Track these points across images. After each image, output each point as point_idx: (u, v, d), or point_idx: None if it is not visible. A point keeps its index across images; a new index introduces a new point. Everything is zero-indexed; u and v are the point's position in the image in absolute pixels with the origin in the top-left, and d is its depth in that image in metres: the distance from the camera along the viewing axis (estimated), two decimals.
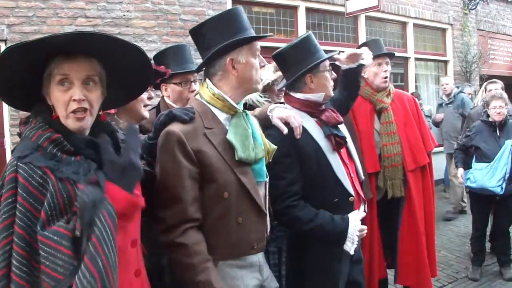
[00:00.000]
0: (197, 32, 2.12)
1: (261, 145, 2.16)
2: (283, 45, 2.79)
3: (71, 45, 1.55)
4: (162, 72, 2.53)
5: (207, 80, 2.12)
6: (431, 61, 11.47)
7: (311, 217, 2.46)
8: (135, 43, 1.69)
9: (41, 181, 1.49)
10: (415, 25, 10.73)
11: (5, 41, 6.16)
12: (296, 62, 2.64)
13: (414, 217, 3.81)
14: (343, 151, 2.70)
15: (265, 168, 2.18)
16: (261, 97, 3.23)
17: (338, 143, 2.62)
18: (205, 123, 2.04)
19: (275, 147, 2.26)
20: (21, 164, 1.50)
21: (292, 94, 2.72)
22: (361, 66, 3.10)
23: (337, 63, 3.04)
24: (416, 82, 10.87)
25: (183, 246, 1.90)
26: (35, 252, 1.45)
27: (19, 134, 1.70)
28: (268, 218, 2.20)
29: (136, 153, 1.76)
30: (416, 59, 10.89)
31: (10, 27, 6.20)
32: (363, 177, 2.82)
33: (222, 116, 2.10)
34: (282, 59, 2.75)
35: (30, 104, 1.68)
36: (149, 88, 2.27)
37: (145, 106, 2.37)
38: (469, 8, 11.72)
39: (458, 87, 8.40)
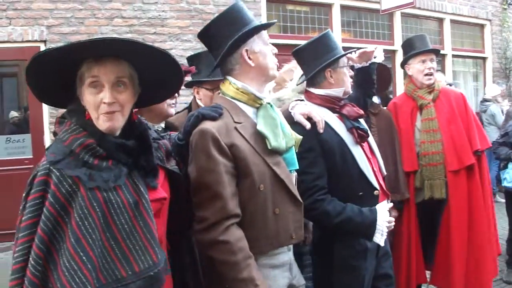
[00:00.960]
0: (205, 35, 2.14)
1: (290, 134, 2.17)
2: None
3: (98, 49, 1.56)
4: (190, 71, 2.56)
5: (228, 77, 2.13)
6: (469, 58, 11.21)
7: (340, 210, 2.46)
8: (166, 48, 1.81)
9: (70, 190, 1.51)
10: (452, 21, 10.50)
11: (44, 41, 6.40)
12: (315, 58, 2.66)
13: (452, 221, 3.65)
14: (365, 145, 2.69)
15: (295, 157, 2.19)
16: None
17: (361, 136, 2.62)
18: (234, 118, 2.05)
19: (301, 136, 2.27)
20: (54, 170, 1.52)
21: (312, 90, 2.74)
22: (373, 64, 3.06)
23: (350, 62, 2.99)
24: (454, 79, 10.62)
25: (226, 243, 1.89)
26: (51, 257, 1.48)
27: (54, 133, 1.73)
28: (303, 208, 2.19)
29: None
30: (454, 56, 10.66)
31: (49, 28, 6.44)
32: (385, 172, 2.80)
33: (249, 110, 2.11)
34: (302, 55, 2.77)
35: (66, 103, 1.70)
36: None
37: (170, 105, 2.39)
38: (508, 3, 11.39)
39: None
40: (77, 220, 1.49)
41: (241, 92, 2.10)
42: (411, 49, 3.82)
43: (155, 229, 1.64)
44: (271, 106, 2.15)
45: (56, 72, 1.60)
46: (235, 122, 2.04)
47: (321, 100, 2.70)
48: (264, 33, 2.14)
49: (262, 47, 2.11)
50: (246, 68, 2.10)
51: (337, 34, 8.52)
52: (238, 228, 1.95)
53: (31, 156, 6.55)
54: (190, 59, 3.23)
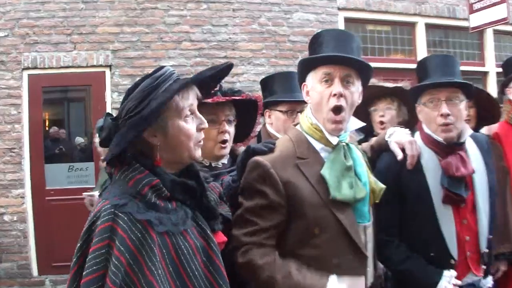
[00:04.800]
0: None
1: (365, 184, 1.96)
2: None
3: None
4: (252, 98, 2.34)
5: (308, 107, 2.01)
6: None
7: (403, 258, 2.27)
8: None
9: (139, 235, 1.42)
10: None
11: (109, 66, 6.32)
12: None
13: None
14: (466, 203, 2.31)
15: (367, 210, 1.98)
16: None
17: (450, 199, 2.26)
18: (298, 152, 1.93)
19: (383, 186, 2.04)
20: (121, 214, 1.43)
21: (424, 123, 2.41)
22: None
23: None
24: None
25: (249, 264, 1.85)
26: None
27: (109, 174, 1.64)
28: (370, 263, 2.02)
29: None
30: None
31: (115, 52, 6.28)
32: (487, 236, 2.34)
33: (320, 147, 1.96)
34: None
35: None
36: (224, 120, 2.18)
37: (222, 142, 2.18)
38: None
39: None
40: (150, 268, 1.41)
41: (314, 128, 1.96)
42: None
43: (225, 273, 1.59)
44: (349, 147, 1.97)
45: None
46: (298, 157, 1.91)
47: (425, 138, 2.37)
48: (321, 69, 1.94)
49: (315, 84, 1.95)
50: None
51: (422, 55, 7.67)
52: (268, 250, 1.87)
53: (94, 186, 6.25)
54: (264, 82, 3.17)
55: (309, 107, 1.99)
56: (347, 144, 1.97)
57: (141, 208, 1.46)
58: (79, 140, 6.83)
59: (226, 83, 2.16)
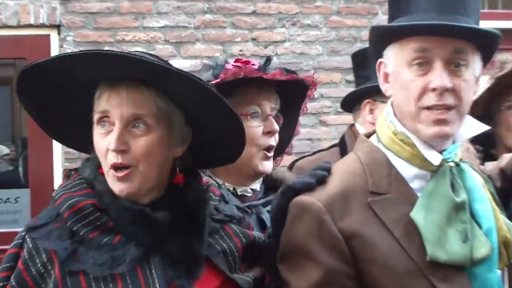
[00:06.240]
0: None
1: (490, 232, 1.56)
2: None
3: (113, 69, 1.42)
4: (305, 83, 2.05)
5: (389, 102, 1.65)
6: None
7: None
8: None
9: (42, 270, 1.36)
10: None
11: (57, 27, 4.79)
12: None
13: None
14: None
15: (496, 277, 1.57)
16: None
17: None
18: (372, 183, 1.55)
19: None
20: (28, 239, 1.39)
21: None
22: None
23: None
24: None
25: None
26: None
27: None
28: None
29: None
30: None
31: (66, 4, 4.73)
32: None
33: (411, 173, 1.58)
34: None
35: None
36: (270, 115, 1.95)
37: (266, 149, 1.97)
38: None
39: None
40: None
41: (400, 140, 1.58)
42: None
43: None
44: (461, 170, 1.60)
45: (67, 96, 1.48)
46: (372, 192, 1.54)
47: None
48: (414, 43, 1.55)
49: (399, 67, 1.57)
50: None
51: None
52: None
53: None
54: (356, 56, 3.03)
55: (390, 103, 1.66)
56: (457, 165, 1.60)
57: (55, 235, 1.39)
58: (3, 150, 5.49)
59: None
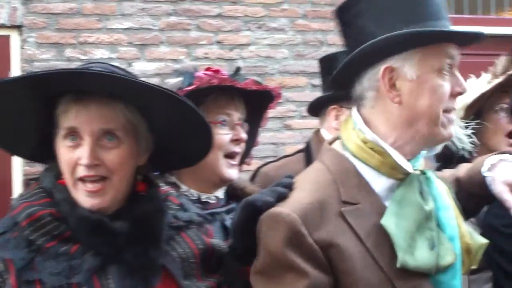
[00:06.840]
0: (344, 14, 1.66)
1: (453, 239, 1.60)
2: None
3: (80, 83, 1.44)
4: (272, 94, 2.13)
5: (354, 111, 1.65)
6: None
7: None
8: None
9: None
10: None
11: (18, 27, 4.77)
12: None
13: None
14: None
15: (459, 283, 1.62)
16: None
17: None
18: (343, 193, 1.56)
19: (484, 241, 1.71)
20: None
21: None
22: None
23: None
24: None
25: None
26: None
27: None
28: None
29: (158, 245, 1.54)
30: None
31: (28, 3, 4.64)
32: None
33: (380, 182, 1.59)
34: None
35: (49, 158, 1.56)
36: (238, 124, 2.01)
37: (230, 157, 2.01)
38: None
39: None
40: None
41: (370, 149, 1.57)
42: None
43: None
44: (427, 179, 1.62)
45: (29, 113, 1.48)
46: (344, 201, 1.55)
47: None
48: (446, 48, 1.56)
49: (426, 74, 1.56)
50: (386, 103, 1.57)
51: None
52: None
53: None
54: (323, 61, 3.00)
55: (355, 112, 1.65)
56: (422, 173, 1.62)
57: (12, 244, 1.38)
58: None
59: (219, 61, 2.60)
